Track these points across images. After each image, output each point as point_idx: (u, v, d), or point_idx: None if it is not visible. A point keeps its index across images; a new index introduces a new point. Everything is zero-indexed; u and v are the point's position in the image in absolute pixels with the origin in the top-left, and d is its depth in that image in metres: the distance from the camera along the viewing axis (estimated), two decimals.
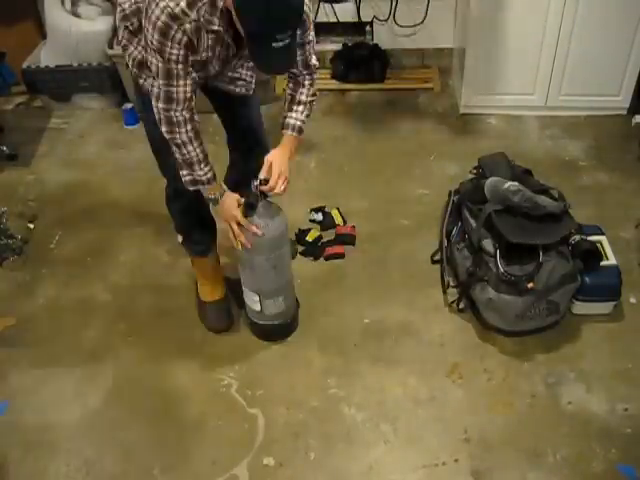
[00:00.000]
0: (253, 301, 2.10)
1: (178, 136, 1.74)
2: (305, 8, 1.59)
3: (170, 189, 2.11)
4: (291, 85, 1.91)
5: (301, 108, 1.90)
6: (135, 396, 2.06)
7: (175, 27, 1.56)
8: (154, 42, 1.59)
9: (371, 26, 3.58)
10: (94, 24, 3.34)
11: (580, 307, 2.21)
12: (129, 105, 3.35)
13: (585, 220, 2.32)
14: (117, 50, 3.27)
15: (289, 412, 1.98)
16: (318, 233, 2.59)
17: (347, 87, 3.56)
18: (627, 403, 1.96)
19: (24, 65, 3.41)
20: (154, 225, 2.71)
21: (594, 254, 2.15)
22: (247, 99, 2.06)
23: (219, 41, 1.68)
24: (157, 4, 1.54)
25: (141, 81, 1.87)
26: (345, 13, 3.54)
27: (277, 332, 2.20)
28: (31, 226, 2.73)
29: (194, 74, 1.73)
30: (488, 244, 2.12)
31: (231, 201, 1.89)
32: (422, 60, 3.70)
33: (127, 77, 3.34)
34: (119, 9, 1.80)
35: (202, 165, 1.81)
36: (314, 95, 1.92)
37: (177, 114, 1.71)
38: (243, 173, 2.10)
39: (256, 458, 1.87)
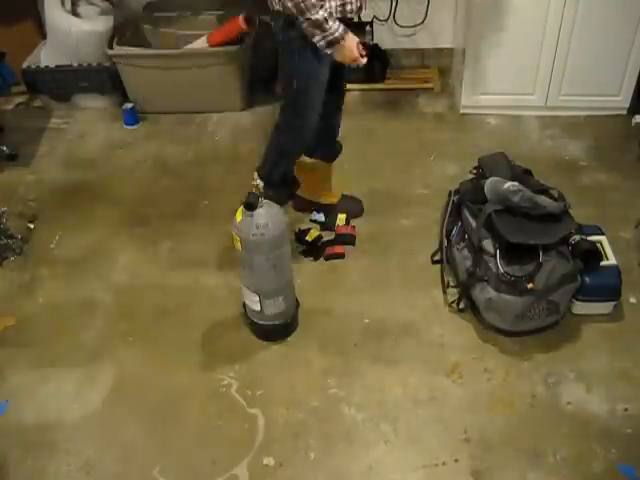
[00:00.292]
0: (253, 301, 2.10)
1: None
2: None
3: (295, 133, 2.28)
4: None
5: None
6: (135, 396, 2.06)
7: None
8: None
9: (371, 26, 3.57)
10: (94, 24, 3.34)
11: (580, 307, 2.21)
12: (129, 105, 3.35)
13: (585, 220, 2.32)
14: (117, 50, 3.28)
15: (289, 412, 1.98)
16: (318, 233, 2.59)
17: (347, 87, 3.54)
18: (627, 403, 1.96)
19: (24, 65, 3.41)
20: (154, 225, 2.72)
21: (594, 254, 2.15)
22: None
23: None
24: None
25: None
26: None
27: (277, 332, 2.20)
28: (31, 226, 2.73)
29: None
30: (488, 244, 2.12)
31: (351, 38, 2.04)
32: (422, 60, 3.70)
33: (127, 77, 3.35)
34: None
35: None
36: None
37: None
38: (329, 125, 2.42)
39: (256, 458, 1.87)
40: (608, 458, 1.82)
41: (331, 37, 1.97)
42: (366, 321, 2.26)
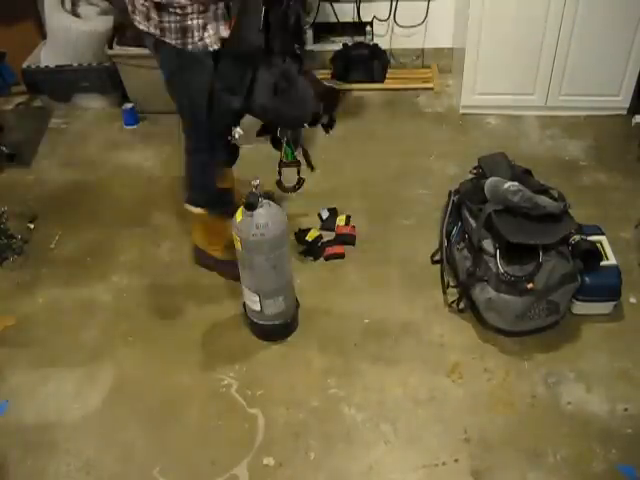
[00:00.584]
0: (253, 301, 2.10)
1: None
2: None
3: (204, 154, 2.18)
4: None
5: None
6: (135, 396, 2.06)
7: None
8: None
9: (371, 26, 3.58)
10: (94, 24, 3.34)
11: (580, 307, 2.21)
12: (129, 105, 3.35)
13: (585, 220, 2.31)
14: (117, 50, 3.28)
15: (289, 412, 1.98)
16: (318, 233, 2.59)
17: (347, 87, 3.55)
18: (627, 403, 1.96)
19: (24, 65, 3.41)
20: (154, 225, 2.72)
21: (594, 254, 2.15)
22: None
23: None
24: None
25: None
26: (345, 13, 3.54)
27: (277, 332, 2.20)
28: (31, 226, 2.73)
29: None
30: (488, 244, 2.12)
31: None
32: (422, 60, 3.70)
33: (127, 77, 3.35)
34: None
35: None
36: None
37: None
38: None
39: (256, 458, 1.87)
40: (608, 458, 1.82)
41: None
42: (366, 321, 2.26)
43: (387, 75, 3.58)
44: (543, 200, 2.12)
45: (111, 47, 3.30)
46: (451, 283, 2.34)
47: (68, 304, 2.39)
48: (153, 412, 2.01)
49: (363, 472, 1.83)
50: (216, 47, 1.91)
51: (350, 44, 3.58)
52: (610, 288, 2.17)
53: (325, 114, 2.18)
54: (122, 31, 3.41)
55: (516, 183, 2.13)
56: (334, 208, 2.71)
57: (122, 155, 3.17)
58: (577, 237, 2.15)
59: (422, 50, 3.65)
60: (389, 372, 2.09)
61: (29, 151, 3.21)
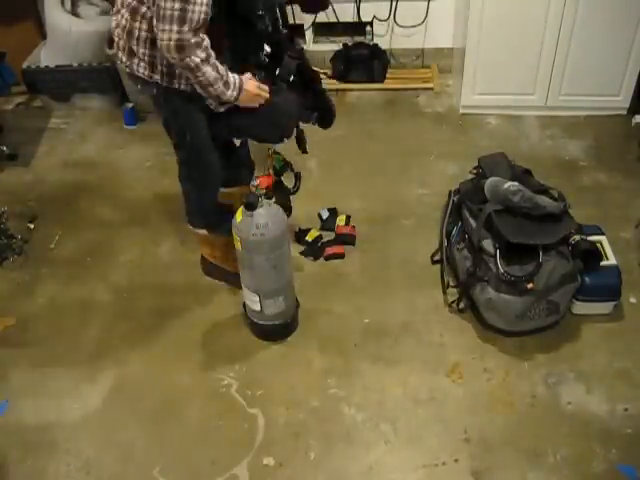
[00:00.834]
0: (253, 301, 2.10)
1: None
2: None
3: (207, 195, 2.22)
4: None
5: None
6: (135, 396, 2.06)
7: None
8: None
9: (371, 26, 3.58)
10: (94, 24, 3.34)
11: (580, 307, 2.21)
12: (129, 105, 3.35)
13: (585, 220, 2.31)
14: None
15: (289, 412, 1.98)
16: (318, 233, 2.59)
17: (347, 87, 3.56)
18: (627, 403, 1.96)
19: (24, 65, 3.42)
20: (154, 225, 2.72)
21: (594, 254, 2.15)
22: None
23: None
24: None
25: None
26: (345, 13, 3.54)
27: (277, 332, 2.20)
28: (31, 226, 2.73)
29: None
30: (488, 244, 2.12)
31: (251, 82, 1.91)
32: (422, 60, 3.70)
33: (127, 77, 3.34)
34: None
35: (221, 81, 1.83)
36: None
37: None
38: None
39: (256, 458, 1.87)
40: (608, 458, 1.82)
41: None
42: (366, 321, 2.26)
43: (387, 75, 3.59)
44: (543, 200, 2.12)
45: (111, 47, 3.28)
46: (451, 283, 2.34)
47: (68, 304, 2.39)
48: (153, 412, 2.01)
49: (363, 472, 1.83)
50: None
51: (350, 44, 3.59)
52: (610, 288, 2.17)
53: (320, 110, 2.20)
54: None
55: (516, 183, 2.14)
56: (334, 208, 2.72)
57: (122, 155, 3.17)
58: (577, 237, 2.15)
59: (422, 50, 3.66)
60: (389, 372, 2.09)
61: (29, 151, 3.21)
